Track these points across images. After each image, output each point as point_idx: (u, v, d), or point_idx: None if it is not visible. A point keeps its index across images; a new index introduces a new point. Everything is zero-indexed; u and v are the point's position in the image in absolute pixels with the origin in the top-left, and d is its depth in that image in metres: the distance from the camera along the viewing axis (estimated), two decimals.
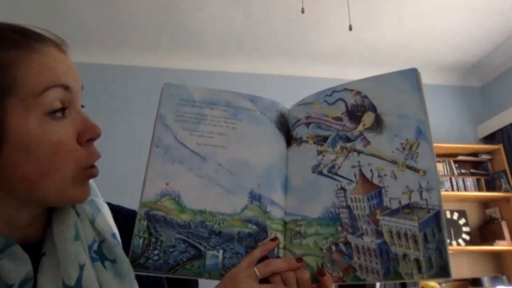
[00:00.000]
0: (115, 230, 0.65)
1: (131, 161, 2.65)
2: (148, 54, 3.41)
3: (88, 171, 0.58)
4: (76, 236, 0.58)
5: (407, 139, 0.65)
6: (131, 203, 0.76)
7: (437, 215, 0.60)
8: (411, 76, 0.69)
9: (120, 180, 2.64)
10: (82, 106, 0.60)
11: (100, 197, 0.69)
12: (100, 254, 0.60)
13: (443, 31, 3.23)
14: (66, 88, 0.55)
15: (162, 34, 3.21)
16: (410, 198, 0.62)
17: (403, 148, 0.65)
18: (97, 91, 3.18)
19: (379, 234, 0.63)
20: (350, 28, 2.32)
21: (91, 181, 0.70)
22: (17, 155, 0.51)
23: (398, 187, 0.63)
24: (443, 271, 0.57)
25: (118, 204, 0.74)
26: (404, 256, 0.60)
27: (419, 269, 0.59)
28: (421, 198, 0.61)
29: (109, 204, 0.70)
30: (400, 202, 0.63)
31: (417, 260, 0.59)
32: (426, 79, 3.68)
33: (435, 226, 0.59)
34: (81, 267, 0.55)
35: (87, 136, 0.57)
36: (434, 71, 3.77)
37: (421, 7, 2.95)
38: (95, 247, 0.60)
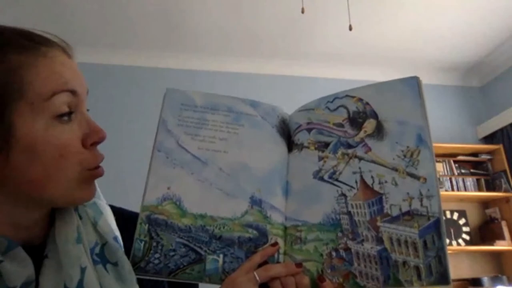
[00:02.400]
0: (117, 233, 0.65)
1: (132, 162, 2.65)
2: (149, 54, 3.40)
3: (94, 171, 0.58)
4: (78, 239, 0.58)
5: (408, 147, 0.66)
6: (133, 205, 0.76)
7: (437, 222, 0.60)
8: (413, 83, 0.69)
9: (121, 181, 2.64)
10: (87, 110, 0.61)
11: (103, 199, 0.69)
12: (102, 257, 0.60)
13: (443, 31, 3.23)
14: (73, 93, 0.55)
15: (162, 34, 3.21)
16: (410, 205, 0.63)
17: (404, 155, 0.66)
18: (97, 91, 3.16)
19: (380, 240, 0.63)
20: (350, 28, 2.31)
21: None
22: (24, 158, 0.51)
23: (398, 194, 0.64)
24: (442, 278, 0.58)
25: (120, 207, 0.74)
26: (404, 263, 0.60)
27: (419, 276, 0.59)
28: (421, 205, 0.62)
29: (111, 207, 0.70)
30: (400, 209, 0.63)
31: (416, 267, 0.59)
32: (426, 79, 3.69)
33: (435, 233, 0.60)
34: (83, 270, 0.55)
35: (92, 139, 0.57)
36: (434, 71, 3.76)
37: (421, 7, 2.94)
38: (97, 250, 0.60)
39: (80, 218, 0.61)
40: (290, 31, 3.19)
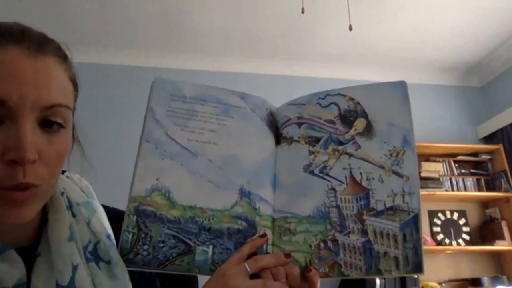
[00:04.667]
0: (110, 232, 0.66)
1: (132, 162, 2.64)
2: (149, 54, 3.41)
3: (7, 193, 0.49)
4: (70, 237, 0.58)
5: (394, 147, 0.70)
6: None
7: (416, 217, 0.66)
8: (400, 87, 0.74)
9: (120, 181, 2.64)
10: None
11: (96, 199, 0.69)
12: (95, 255, 0.60)
13: (442, 32, 3.22)
14: (2, 102, 0.49)
15: (162, 34, 3.21)
16: (393, 201, 0.67)
17: (391, 155, 0.70)
18: (97, 91, 3.18)
19: (365, 233, 0.66)
20: (350, 28, 2.31)
21: (86, 182, 0.70)
22: None
23: (384, 190, 0.68)
24: (417, 267, 0.63)
25: (113, 207, 0.74)
26: (385, 253, 0.65)
27: (397, 265, 0.64)
28: (403, 201, 0.66)
29: (104, 207, 0.70)
30: (385, 204, 0.67)
31: (396, 258, 0.64)
32: (426, 79, 3.69)
33: (414, 227, 0.65)
34: (74, 268, 0.56)
35: (9, 156, 0.48)
36: (434, 71, 3.76)
37: (421, 7, 2.94)
38: (90, 248, 0.61)
39: (74, 216, 0.62)
40: (290, 31, 3.19)
